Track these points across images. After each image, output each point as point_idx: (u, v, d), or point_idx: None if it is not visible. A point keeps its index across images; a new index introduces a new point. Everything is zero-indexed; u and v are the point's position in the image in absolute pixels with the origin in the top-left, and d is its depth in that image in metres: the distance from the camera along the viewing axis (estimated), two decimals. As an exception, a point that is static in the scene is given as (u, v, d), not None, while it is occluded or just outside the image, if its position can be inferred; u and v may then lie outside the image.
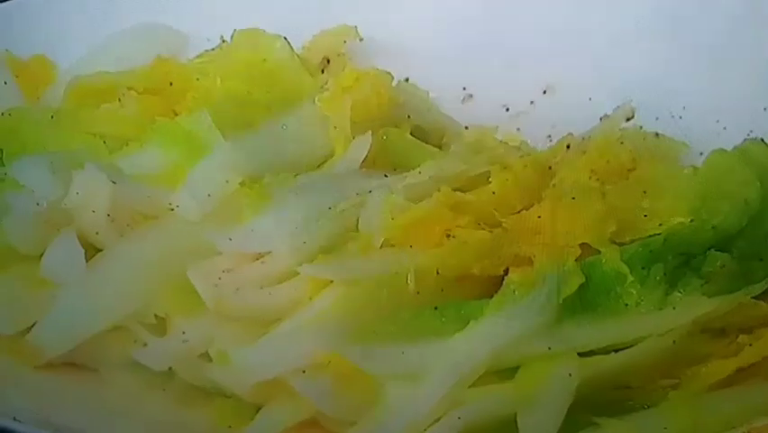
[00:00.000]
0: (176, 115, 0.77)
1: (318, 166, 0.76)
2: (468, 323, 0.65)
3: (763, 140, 0.74)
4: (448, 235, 0.68)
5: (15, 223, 0.69)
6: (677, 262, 0.68)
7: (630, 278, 0.67)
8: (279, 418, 0.64)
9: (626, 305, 0.67)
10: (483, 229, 0.69)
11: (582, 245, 0.68)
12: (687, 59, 0.84)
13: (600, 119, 0.81)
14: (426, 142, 0.79)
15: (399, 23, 0.88)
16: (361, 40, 0.87)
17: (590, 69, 0.86)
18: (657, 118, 0.82)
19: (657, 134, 0.81)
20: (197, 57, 0.83)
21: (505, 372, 0.65)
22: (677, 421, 0.64)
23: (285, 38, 0.80)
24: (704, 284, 0.68)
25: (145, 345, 0.66)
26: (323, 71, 0.84)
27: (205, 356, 0.66)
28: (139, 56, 0.84)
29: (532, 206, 0.70)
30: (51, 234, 0.69)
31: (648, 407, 0.65)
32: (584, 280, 0.67)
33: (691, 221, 0.69)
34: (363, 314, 0.65)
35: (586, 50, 0.86)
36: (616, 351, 0.66)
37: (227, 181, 0.71)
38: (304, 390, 0.63)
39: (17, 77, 0.83)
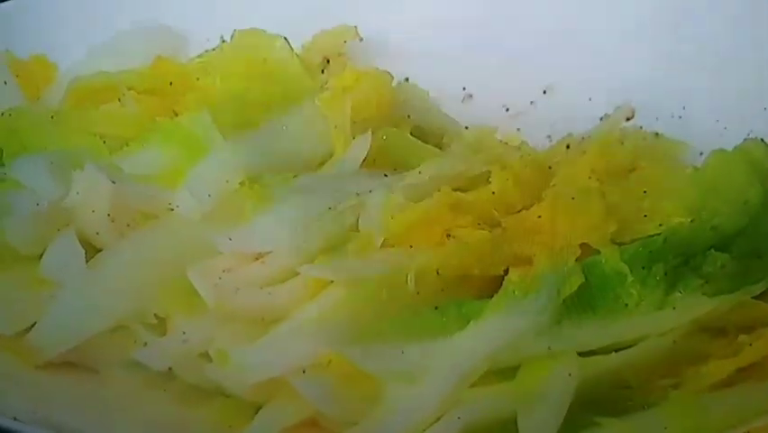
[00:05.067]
0: (176, 114, 0.77)
1: (318, 166, 0.76)
2: (468, 323, 0.65)
3: (763, 140, 0.73)
4: (448, 235, 0.68)
5: (15, 223, 0.69)
6: (677, 262, 0.68)
7: (630, 278, 0.67)
8: (279, 417, 0.64)
9: (626, 305, 0.67)
10: (483, 229, 0.69)
11: (582, 245, 0.68)
12: (687, 59, 0.84)
13: (600, 119, 0.81)
14: (426, 142, 0.79)
15: (399, 23, 0.88)
16: (361, 40, 0.87)
17: (590, 69, 0.86)
18: (657, 118, 0.82)
19: (657, 134, 0.81)
20: (197, 57, 0.83)
21: (505, 371, 0.65)
22: (677, 421, 0.64)
23: (285, 38, 0.80)
24: (704, 284, 0.68)
25: (145, 344, 0.66)
26: (323, 71, 0.84)
27: (206, 356, 0.65)
28: (139, 56, 0.84)
29: (532, 206, 0.70)
30: (51, 233, 0.69)
31: (648, 407, 0.65)
32: (584, 280, 0.66)
33: (692, 221, 0.69)
34: (364, 314, 0.65)
35: (586, 50, 0.86)
36: (616, 351, 0.66)
37: (227, 181, 0.71)
38: (304, 390, 0.63)
39: (17, 76, 0.83)
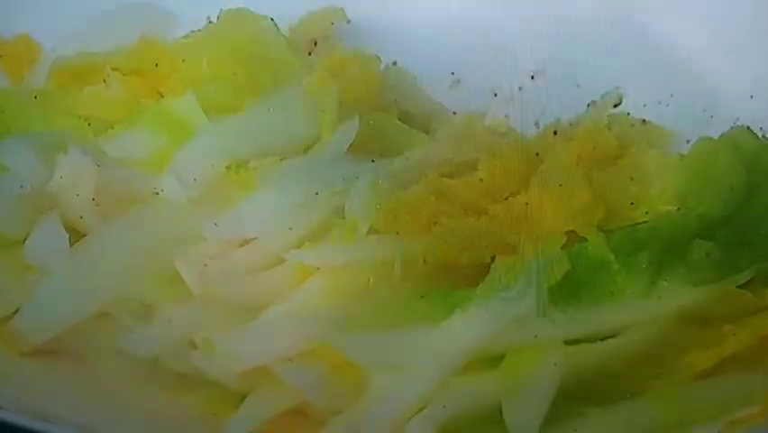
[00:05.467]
0: (161, 96, 0.77)
1: (305, 150, 0.75)
2: (454, 311, 0.65)
3: (749, 128, 0.74)
4: (435, 223, 0.68)
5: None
6: (663, 250, 0.68)
7: (616, 266, 0.67)
8: (265, 406, 0.64)
9: (612, 293, 0.67)
10: (470, 217, 0.69)
11: (569, 233, 0.68)
12: (674, 47, 0.84)
13: (588, 105, 0.81)
14: (414, 128, 0.79)
15: (387, 7, 0.87)
16: (348, 22, 0.86)
17: (579, 55, 0.85)
18: (645, 105, 0.82)
19: (644, 121, 0.81)
20: (183, 37, 0.82)
21: (491, 360, 0.65)
22: (663, 410, 0.64)
23: (272, 19, 0.79)
24: (689, 273, 0.68)
25: (131, 331, 0.66)
26: (310, 54, 0.84)
27: (192, 343, 0.65)
28: (124, 35, 0.82)
29: (519, 193, 0.70)
30: (35, 217, 0.68)
31: (634, 396, 0.65)
32: (570, 267, 0.66)
33: (678, 209, 0.69)
34: (350, 302, 0.65)
35: (574, 36, 0.85)
36: (602, 340, 0.66)
37: (213, 165, 0.71)
38: (290, 378, 0.63)
39: (0, 57, 0.82)
